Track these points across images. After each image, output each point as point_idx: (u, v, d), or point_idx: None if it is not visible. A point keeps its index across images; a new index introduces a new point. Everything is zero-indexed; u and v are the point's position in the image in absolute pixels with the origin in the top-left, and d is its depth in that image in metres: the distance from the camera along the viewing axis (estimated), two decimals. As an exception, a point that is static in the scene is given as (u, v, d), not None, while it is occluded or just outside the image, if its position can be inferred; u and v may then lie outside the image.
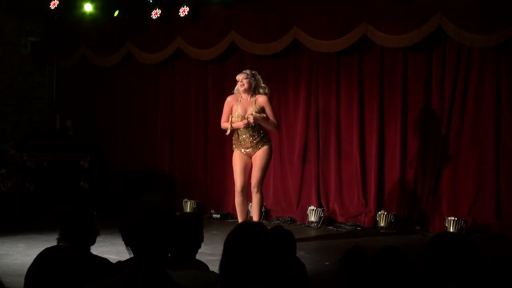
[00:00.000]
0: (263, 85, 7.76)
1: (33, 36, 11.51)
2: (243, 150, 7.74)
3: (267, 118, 7.64)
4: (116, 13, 10.44)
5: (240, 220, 7.76)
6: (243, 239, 2.42)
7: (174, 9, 10.15)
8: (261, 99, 7.66)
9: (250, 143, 7.68)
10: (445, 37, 8.43)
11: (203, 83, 10.41)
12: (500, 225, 8.16)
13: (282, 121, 9.56)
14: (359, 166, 9.08)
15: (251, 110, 7.59)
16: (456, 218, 8.09)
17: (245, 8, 9.74)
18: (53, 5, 10.91)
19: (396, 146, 8.87)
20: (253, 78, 7.68)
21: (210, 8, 10.02)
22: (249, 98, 7.68)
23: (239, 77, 7.71)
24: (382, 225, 8.63)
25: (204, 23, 10.11)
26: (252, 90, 7.68)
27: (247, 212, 7.92)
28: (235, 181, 7.78)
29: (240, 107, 7.67)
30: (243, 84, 7.64)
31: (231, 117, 7.69)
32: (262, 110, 7.64)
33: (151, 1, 10.24)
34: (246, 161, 7.73)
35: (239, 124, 7.65)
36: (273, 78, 9.73)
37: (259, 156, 7.67)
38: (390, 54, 8.91)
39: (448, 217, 8.17)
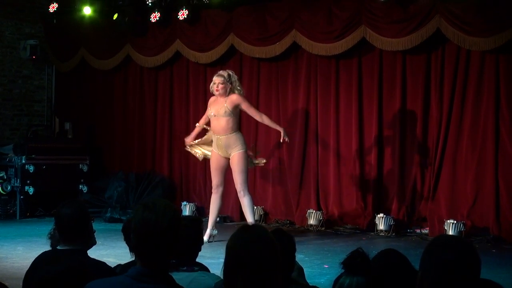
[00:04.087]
0: (238, 87, 7.80)
1: (32, 39, 11.52)
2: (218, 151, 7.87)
3: (268, 121, 8.01)
4: (115, 16, 10.45)
5: (210, 216, 7.90)
6: (245, 242, 2.42)
7: (173, 12, 10.16)
8: (233, 98, 7.73)
9: (218, 147, 7.78)
10: (444, 39, 8.43)
11: (202, 86, 10.40)
12: (499, 228, 8.14)
13: (281, 124, 9.55)
14: (358, 169, 9.07)
15: (223, 109, 7.65)
16: (455, 221, 8.08)
17: (244, 11, 9.74)
18: (52, 8, 10.92)
19: (395, 149, 8.86)
20: (229, 83, 7.74)
21: (209, 11, 10.02)
22: (222, 98, 7.77)
23: (216, 80, 7.76)
24: (381, 228, 8.62)
25: (203, 26, 10.12)
26: (227, 93, 7.74)
27: (218, 210, 8.02)
28: (212, 179, 7.99)
29: (214, 107, 7.81)
30: (218, 90, 7.73)
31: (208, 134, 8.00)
32: (235, 108, 7.72)
33: (150, 4, 10.24)
34: (221, 161, 7.85)
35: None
36: (272, 81, 9.75)
37: (234, 161, 7.74)
38: (389, 56, 8.92)
39: (447, 220, 8.17)
